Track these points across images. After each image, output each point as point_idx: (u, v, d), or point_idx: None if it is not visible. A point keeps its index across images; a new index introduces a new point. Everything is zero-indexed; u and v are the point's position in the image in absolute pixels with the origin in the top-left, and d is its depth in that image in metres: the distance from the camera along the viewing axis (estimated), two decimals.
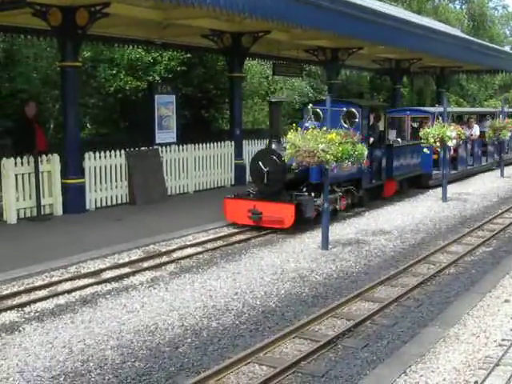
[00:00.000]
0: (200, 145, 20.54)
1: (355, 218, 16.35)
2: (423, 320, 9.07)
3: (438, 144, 18.21)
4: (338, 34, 21.02)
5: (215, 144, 21.20)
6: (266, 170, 14.54)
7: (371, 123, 17.99)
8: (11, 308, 9.27)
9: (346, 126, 15.71)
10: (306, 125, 13.08)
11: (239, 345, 8.11)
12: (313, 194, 14.66)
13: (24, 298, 9.74)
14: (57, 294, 9.88)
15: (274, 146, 14.84)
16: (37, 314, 9.09)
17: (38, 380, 7.06)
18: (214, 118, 30.16)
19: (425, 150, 18.58)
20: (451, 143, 18.45)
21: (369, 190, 17.89)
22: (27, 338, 8.22)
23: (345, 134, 12.61)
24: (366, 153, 13.29)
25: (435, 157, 21.71)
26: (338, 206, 15.93)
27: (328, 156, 11.94)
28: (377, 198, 18.53)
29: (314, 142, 11.99)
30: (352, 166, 14.35)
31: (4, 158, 15.06)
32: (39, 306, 9.43)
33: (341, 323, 8.90)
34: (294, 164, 13.28)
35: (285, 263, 11.79)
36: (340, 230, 14.73)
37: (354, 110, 16.84)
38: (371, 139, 17.56)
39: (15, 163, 14.99)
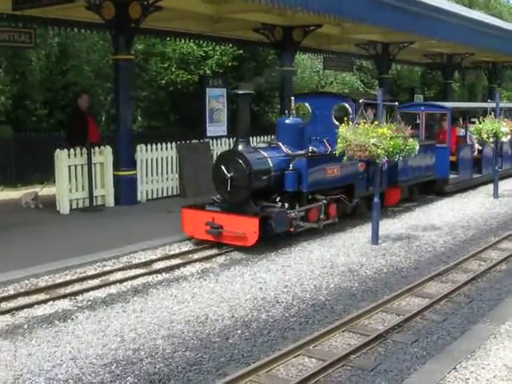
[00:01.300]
0: (250, 138, 20.57)
1: (405, 213, 16.24)
2: (474, 316, 8.98)
3: (491, 140, 17.80)
4: (389, 28, 20.88)
5: (265, 137, 21.21)
6: (229, 175, 12.23)
7: (369, 121, 15.49)
8: (64, 296, 9.45)
9: (336, 123, 14.11)
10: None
11: (289, 337, 8.14)
12: (286, 205, 12.45)
13: (77, 287, 9.91)
14: (109, 284, 10.03)
15: (240, 148, 12.49)
16: (89, 303, 9.25)
17: (91, 367, 7.17)
18: (265, 111, 30.21)
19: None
20: (505, 138, 18.13)
21: (366, 198, 15.10)
22: (79, 326, 8.37)
23: (396, 129, 12.51)
24: (417, 147, 13.10)
25: (453, 158, 19.27)
26: (321, 217, 13.33)
27: (379, 150, 11.88)
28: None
29: (365, 136, 11.93)
30: (341, 170, 13.70)
31: (58, 150, 15.32)
32: (91, 294, 9.59)
33: (390, 318, 8.86)
34: (293, 166, 12.67)
35: (334, 257, 11.78)
36: (390, 225, 14.65)
37: (346, 105, 14.90)
38: None
39: (68, 155, 15.23)
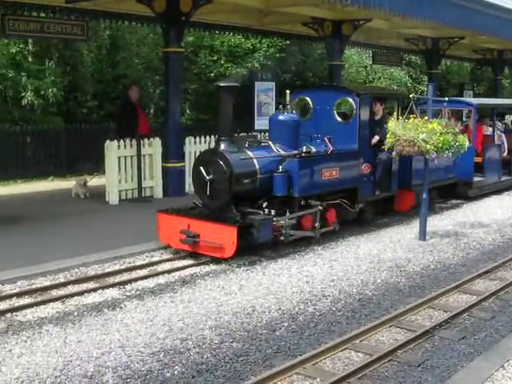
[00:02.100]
0: None
1: (453, 210, 16.12)
2: None
3: None
4: (440, 23, 20.66)
5: None
6: (208, 178, 11.01)
7: (378, 117, 14.09)
8: (113, 285, 9.59)
9: (339, 119, 13.45)
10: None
11: (335, 331, 8.16)
12: (273, 212, 11.18)
13: (125, 277, 10.05)
14: (157, 274, 10.16)
15: (222, 147, 11.18)
16: (137, 292, 9.37)
17: (139, 355, 7.28)
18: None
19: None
20: None
21: (373, 203, 14.12)
22: (128, 314, 8.48)
23: (446, 124, 12.41)
24: (467, 144, 12.93)
25: (478, 160, 17.51)
26: (317, 225, 12.07)
27: (428, 146, 11.80)
28: (387, 214, 14.86)
29: (414, 131, 11.86)
30: (341, 172, 12.52)
31: (108, 141, 15.51)
32: (140, 284, 9.72)
33: (438, 314, 8.82)
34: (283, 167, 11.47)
35: (382, 252, 11.75)
36: (437, 222, 14.54)
37: (349, 99, 13.52)
38: (375, 138, 13.66)
39: (118, 146, 15.41)
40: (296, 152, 12.04)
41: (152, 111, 25.11)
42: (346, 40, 22.41)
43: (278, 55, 26.10)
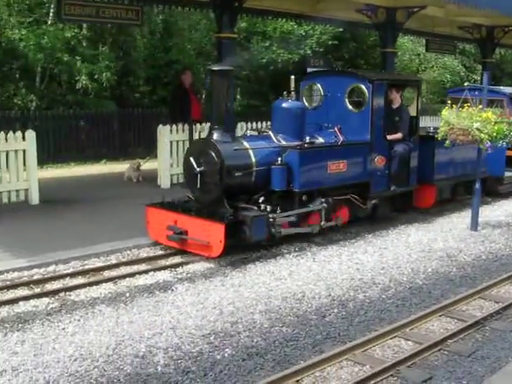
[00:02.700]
0: None
1: (505, 201, 15.90)
2: None
3: None
4: (495, 11, 20.31)
5: None
6: (198, 170, 10.25)
7: (396, 105, 13.09)
8: (165, 268, 9.71)
9: (350, 108, 12.39)
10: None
11: (385, 318, 8.14)
12: (269, 208, 10.41)
13: (177, 260, 10.17)
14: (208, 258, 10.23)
15: (216, 137, 10.37)
16: (188, 275, 9.47)
17: (190, 337, 7.36)
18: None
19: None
20: None
21: (388, 199, 13.05)
22: (179, 297, 8.58)
23: (500, 114, 12.24)
24: None
25: (510, 153, 15.81)
26: (322, 223, 11.32)
27: (483, 135, 11.66)
28: (405, 210, 13.69)
29: (468, 120, 11.73)
30: (350, 165, 11.60)
31: (160, 125, 15.64)
32: (191, 267, 9.83)
33: (489, 305, 8.75)
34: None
35: (432, 241, 11.66)
36: (490, 212, 14.38)
37: (361, 85, 12.29)
38: (398, 134, 12.82)
39: (170, 130, 15.52)
40: (297, 143, 11.16)
41: (204, 97, 25.20)
42: (400, 27, 22.16)
43: (330, 42, 25.96)
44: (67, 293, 8.59)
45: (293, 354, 7.05)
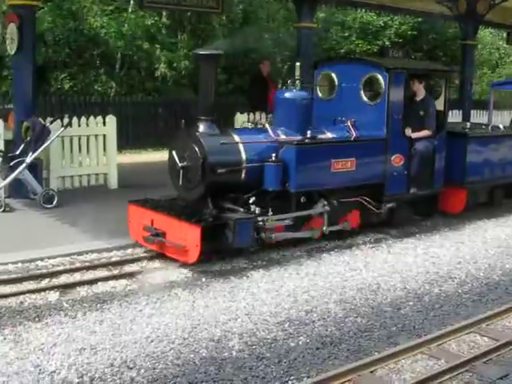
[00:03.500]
0: None
1: None
2: None
3: None
4: None
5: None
6: (180, 165, 9.36)
7: (420, 98, 11.73)
8: (240, 255, 9.74)
9: (365, 99, 11.12)
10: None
11: (461, 313, 8.03)
12: (258, 210, 9.36)
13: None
14: (282, 246, 10.22)
15: (202, 129, 9.40)
16: (264, 263, 9.54)
17: (265, 324, 7.41)
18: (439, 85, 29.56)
19: None
20: None
21: (409, 203, 11.69)
22: (254, 284, 8.65)
23: None
24: None
25: None
26: (324, 229, 10.28)
27: None
28: (429, 216, 12.35)
29: None
30: (359, 163, 10.38)
31: (238, 113, 15.74)
32: (266, 255, 9.85)
33: None
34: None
35: (510, 238, 11.44)
36: None
37: (377, 75, 10.95)
38: (424, 132, 11.50)
39: (248, 119, 15.60)
40: (296, 138, 10.10)
41: (280, 86, 25.21)
42: (481, 19, 21.80)
43: (409, 33, 25.69)
44: (145, 275, 8.75)
45: (367, 345, 7.03)
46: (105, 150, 13.83)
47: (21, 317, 7.36)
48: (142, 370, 6.26)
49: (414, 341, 7.04)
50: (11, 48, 12.60)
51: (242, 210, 9.31)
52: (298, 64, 10.44)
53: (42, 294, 8.03)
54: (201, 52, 9.51)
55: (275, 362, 6.54)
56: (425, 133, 11.47)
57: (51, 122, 12.50)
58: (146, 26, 21.36)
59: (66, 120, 12.97)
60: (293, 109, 10.26)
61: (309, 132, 10.15)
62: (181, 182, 9.39)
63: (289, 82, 10.34)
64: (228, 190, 9.55)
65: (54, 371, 6.18)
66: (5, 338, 6.82)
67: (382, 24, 25.37)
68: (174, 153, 9.53)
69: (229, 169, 9.34)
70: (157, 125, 20.54)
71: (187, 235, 8.84)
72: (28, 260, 9.06)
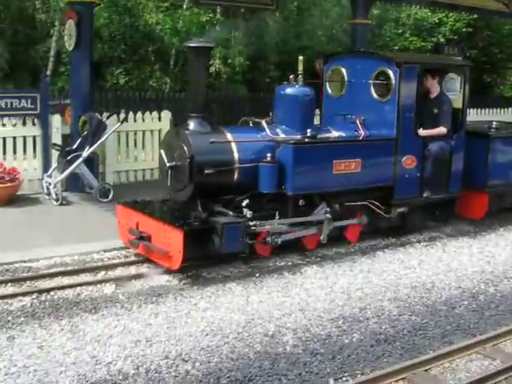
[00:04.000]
0: (481, 110, 20.09)
1: None
2: None
3: None
4: None
5: (498, 110, 20.58)
6: (168, 165, 8.86)
7: (435, 95, 10.89)
8: (295, 250, 9.73)
9: (375, 96, 10.41)
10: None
11: None
12: (249, 214, 8.72)
13: None
14: (337, 243, 10.16)
15: (191, 126, 8.93)
16: (317, 259, 9.54)
17: (318, 320, 7.43)
18: (496, 83, 29.21)
19: None
20: None
21: (422, 208, 10.86)
22: (308, 280, 8.68)
23: None
24: None
25: None
26: (322, 238, 9.59)
27: None
28: (445, 221, 11.51)
29: None
30: (365, 165, 9.67)
31: None
32: (320, 251, 9.84)
33: None
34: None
35: None
36: None
37: (387, 70, 10.19)
38: (440, 129, 10.64)
39: None
40: (295, 137, 9.52)
41: None
42: None
43: (464, 30, 25.38)
44: (199, 270, 8.82)
45: (421, 344, 6.99)
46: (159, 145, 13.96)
47: (78, 308, 7.50)
48: (197, 363, 6.32)
49: (469, 340, 6.99)
50: (69, 44, 12.80)
51: (231, 213, 8.72)
52: (300, 58, 9.72)
53: (98, 286, 8.17)
54: (191, 44, 8.93)
55: (329, 358, 6.55)
56: (438, 130, 10.62)
57: (107, 117, 12.67)
58: (201, 22, 21.45)
59: (122, 115, 13.11)
60: (294, 106, 9.66)
61: (309, 130, 9.54)
62: (169, 183, 8.90)
63: (291, 77, 9.69)
64: (219, 192, 9.06)
65: (111, 362, 6.28)
66: (62, 329, 6.95)
67: (437, 21, 25.07)
68: (162, 152, 9.07)
69: (219, 169, 8.78)
70: (211, 121, 20.57)
71: (171, 240, 8.38)
72: (84, 253, 9.22)
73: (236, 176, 8.98)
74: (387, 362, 6.51)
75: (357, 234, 10.20)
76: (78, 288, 8.08)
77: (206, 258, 8.88)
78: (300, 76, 9.62)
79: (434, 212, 11.17)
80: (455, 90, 11.39)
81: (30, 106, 12.26)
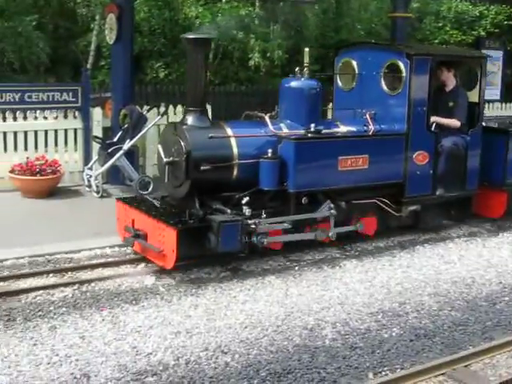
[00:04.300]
0: None
1: None
2: None
3: None
4: None
5: None
6: (165, 160, 8.63)
7: (450, 88, 10.62)
8: (333, 245, 9.71)
9: (385, 89, 9.97)
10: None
11: None
12: (248, 212, 8.36)
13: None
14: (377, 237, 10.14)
15: (190, 121, 8.65)
16: (356, 253, 9.54)
17: (358, 314, 7.43)
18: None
19: None
20: None
21: (436, 206, 10.46)
22: (347, 273, 8.68)
23: None
24: None
25: None
26: (331, 234, 9.19)
27: None
28: (461, 220, 11.08)
29: None
30: (373, 161, 9.26)
31: (330, 104, 15.68)
32: (359, 245, 9.84)
33: None
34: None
35: None
36: None
37: (398, 62, 9.74)
38: (453, 122, 10.37)
39: None
40: (296, 132, 9.10)
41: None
42: None
43: (505, 23, 25.05)
44: (238, 262, 8.85)
45: (461, 339, 6.95)
46: None
47: (118, 299, 7.59)
48: (237, 356, 6.36)
49: (510, 336, 6.94)
50: (110, 38, 12.89)
51: (229, 211, 8.36)
52: (306, 50, 9.49)
53: (139, 277, 8.25)
54: (188, 36, 8.63)
55: (368, 352, 6.55)
56: (451, 121, 10.34)
57: (148, 111, 12.73)
58: (240, 16, 21.45)
59: (162, 109, 13.18)
60: (299, 99, 9.24)
61: (312, 125, 9.07)
62: (167, 179, 8.67)
63: (297, 69, 9.31)
64: (218, 189, 8.72)
65: (151, 353, 6.35)
66: (103, 319, 7.04)
67: (478, 14, 24.77)
68: (159, 147, 8.86)
69: (217, 165, 8.43)
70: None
71: (165, 238, 8.15)
72: (124, 244, 9.25)
73: (236, 172, 8.67)
74: (427, 356, 6.50)
75: (374, 227, 9.84)
76: (119, 279, 8.17)
77: (203, 257, 8.61)
78: (306, 68, 9.26)
79: (449, 210, 10.79)
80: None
81: (71, 99, 12.40)
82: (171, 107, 13.85)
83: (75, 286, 7.88)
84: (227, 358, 6.30)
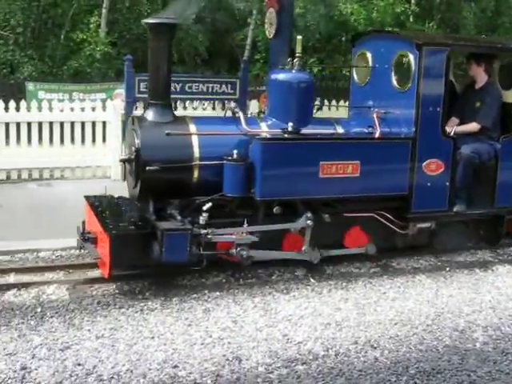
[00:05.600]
0: None
1: None
2: None
3: None
4: None
5: None
6: (121, 157, 7.90)
7: (481, 85, 9.05)
8: (485, 248, 9.52)
9: (395, 83, 8.52)
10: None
11: None
12: (202, 220, 7.39)
13: None
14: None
15: (150, 116, 7.69)
16: (510, 258, 9.33)
17: (510, 319, 7.25)
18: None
19: None
20: None
21: (459, 225, 9.05)
22: (500, 278, 8.51)
23: None
24: None
25: None
26: (303, 248, 8.03)
27: None
28: (491, 244, 9.47)
29: None
30: (365, 168, 7.90)
31: None
32: None
33: None
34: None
35: None
36: None
37: (407, 52, 8.23)
38: (472, 125, 8.85)
39: None
40: (272, 131, 8.02)
41: None
42: None
43: None
44: (389, 260, 8.87)
45: None
46: None
47: (270, 288, 7.78)
48: (386, 351, 6.40)
49: None
50: (269, 32, 13.06)
51: (179, 217, 7.39)
52: (299, 37, 8.31)
53: (291, 268, 8.40)
54: (150, 21, 7.64)
55: None
56: (470, 127, 8.88)
57: None
58: (396, 13, 21.33)
59: (316, 103, 13.30)
60: (286, 94, 8.15)
61: (290, 124, 7.89)
62: (123, 178, 7.95)
63: (288, 59, 8.22)
64: (177, 193, 7.66)
65: (301, 342, 6.48)
66: (255, 306, 7.25)
67: None
68: (123, 143, 8.03)
69: (172, 166, 7.45)
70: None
71: (104, 243, 7.24)
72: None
73: (196, 175, 7.66)
74: None
75: (362, 241, 8.44)
76: (271, 268, 8.34)
77: (147, 267, 7.68)
78: (297, 59, 8.16)
79: (478, 230, 9.40)
80: None
81: (229, 91, 12.71)
82: (326, 102, 13.93)
83: (229, 272, 8.13)
84: (376, 353, 6.34)
